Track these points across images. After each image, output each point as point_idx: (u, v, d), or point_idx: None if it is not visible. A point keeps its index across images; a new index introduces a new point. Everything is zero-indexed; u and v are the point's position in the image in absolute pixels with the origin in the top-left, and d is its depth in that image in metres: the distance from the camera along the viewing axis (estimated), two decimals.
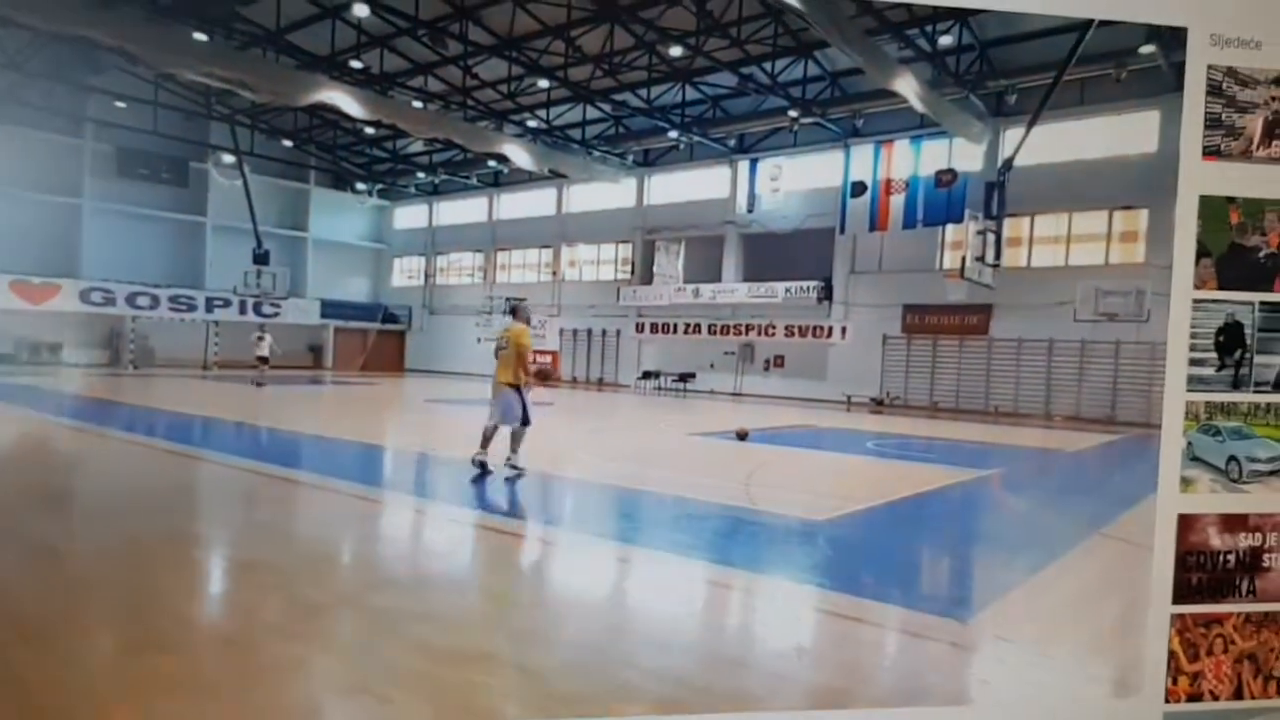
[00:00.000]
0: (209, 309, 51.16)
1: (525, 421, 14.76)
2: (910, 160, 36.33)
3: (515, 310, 15.93)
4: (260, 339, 37.17)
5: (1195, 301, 4.69)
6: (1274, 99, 4.70)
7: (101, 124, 46.43)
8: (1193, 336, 4.71)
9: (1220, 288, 4.68)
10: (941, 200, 35.32)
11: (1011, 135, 34.70)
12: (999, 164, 32.86)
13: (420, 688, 5.67)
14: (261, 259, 48.82)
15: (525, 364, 14.85)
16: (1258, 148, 4.69)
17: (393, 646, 6.37)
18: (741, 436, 21.77)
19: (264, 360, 37.36)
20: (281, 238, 56.44)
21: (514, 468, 14.48)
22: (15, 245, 45.20)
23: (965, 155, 35.95)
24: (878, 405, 38.60)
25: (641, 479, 15.54)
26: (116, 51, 33.67)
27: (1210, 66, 4.61)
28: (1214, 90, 4.62)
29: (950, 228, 37.33)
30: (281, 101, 39.42)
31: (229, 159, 50.85)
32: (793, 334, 43.62)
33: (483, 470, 14.43)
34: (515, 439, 14.72)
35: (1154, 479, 4.82)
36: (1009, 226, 33.88)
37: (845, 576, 9.29)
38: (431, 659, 6.15)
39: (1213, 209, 4.66)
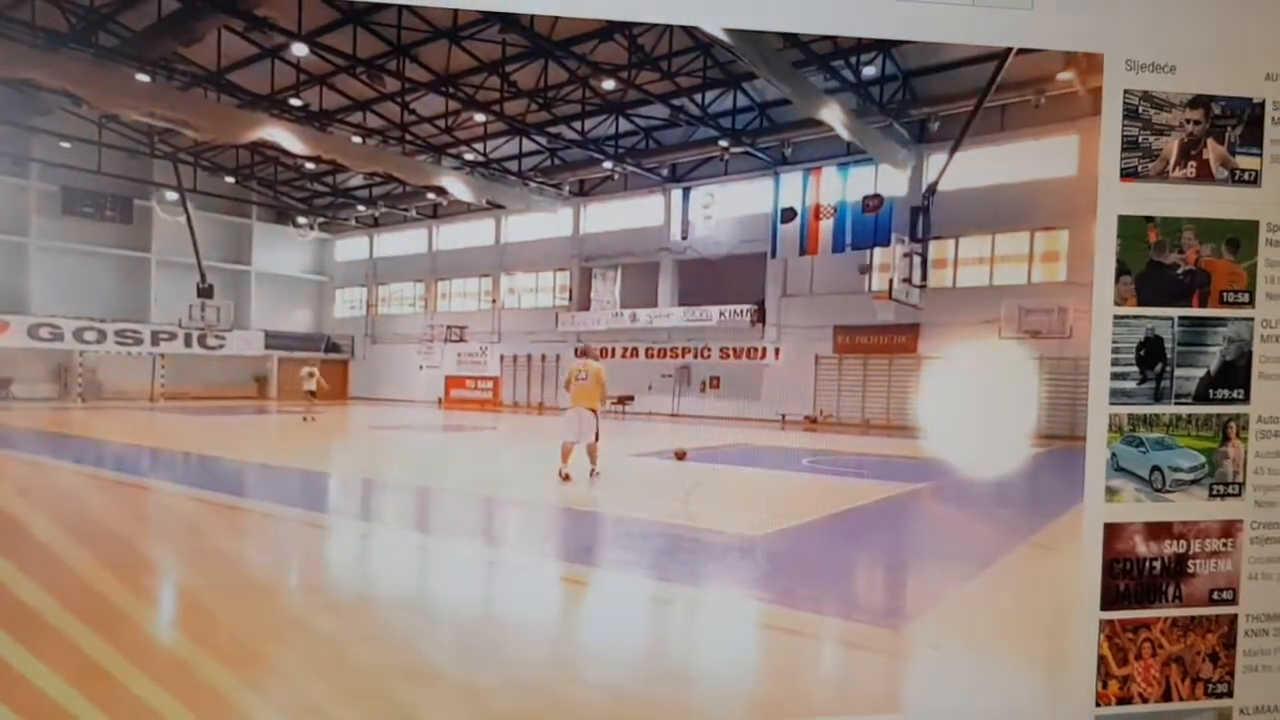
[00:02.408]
0: (155, 342, 50.51)
1: (596, 437, 18.37)
2: (838, 186, 36.52)
3: (587, 350, 20.06)
4: (310, 374, 36.51)
5: (1116, 318, 4.74)
6: (1189, 121, 4.76)
7: (46, 164, 46.12)
8: (1115, 351, 4.76)
9: (1140, 304, 4.74)
10: (869, 225, 35.51)
11: (935, 161, 34.96)
12: (923, 189, 33.14)
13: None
14: (206, 293, 48.53)
15: (605, 392, 19.15)
16: (1174, 168, 4.75)
17: None
18: (680, 456, 21.80)
19: (312, 394, 36.64)
20: (225, 271, 55.91)
21: (595, 474, 18.09)
22: None
23: (891, 181, 36.20)
24: (812, 423, 38.68)
25: (584, 500, 15.52)
26: (61, 93, 33.52)
27: (1126, 91, 4.67)
28: (1130, 114, 4.68)
29: (878, 251, 37.50)
30: (223, 139, 39.33)
31: (172, 196, 50.53)
32: (728, 356, 43.71)
33: (566, 479, 17.56)
34: (592, 453, 18.39)
35: (1080, 489, 4.87)
36: (934, 249, 34.12)
37: (781, 590, 9.32)
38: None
39: (1131, 228, 4.72)
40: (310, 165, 48.75)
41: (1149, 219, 4.74)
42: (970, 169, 34.53)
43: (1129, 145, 4.70)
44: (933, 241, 33.13)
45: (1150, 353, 4.79)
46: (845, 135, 32.59)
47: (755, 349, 42.88)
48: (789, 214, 37.68)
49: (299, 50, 33.31)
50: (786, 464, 22.59)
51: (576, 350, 20.73)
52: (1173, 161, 4.75)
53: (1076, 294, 31.80)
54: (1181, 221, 4.77)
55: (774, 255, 39.69)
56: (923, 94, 34.90)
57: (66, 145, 43.98)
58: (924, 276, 32.32)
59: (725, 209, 43.79)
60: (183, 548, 11.12)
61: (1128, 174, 4.72)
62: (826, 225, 36.67)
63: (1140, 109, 4.69)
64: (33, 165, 46.76)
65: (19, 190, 47.70)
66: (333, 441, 29.45)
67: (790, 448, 27.69)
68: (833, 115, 30.78)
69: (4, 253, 47.45)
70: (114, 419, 34.76)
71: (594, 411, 18.71)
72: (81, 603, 8.26)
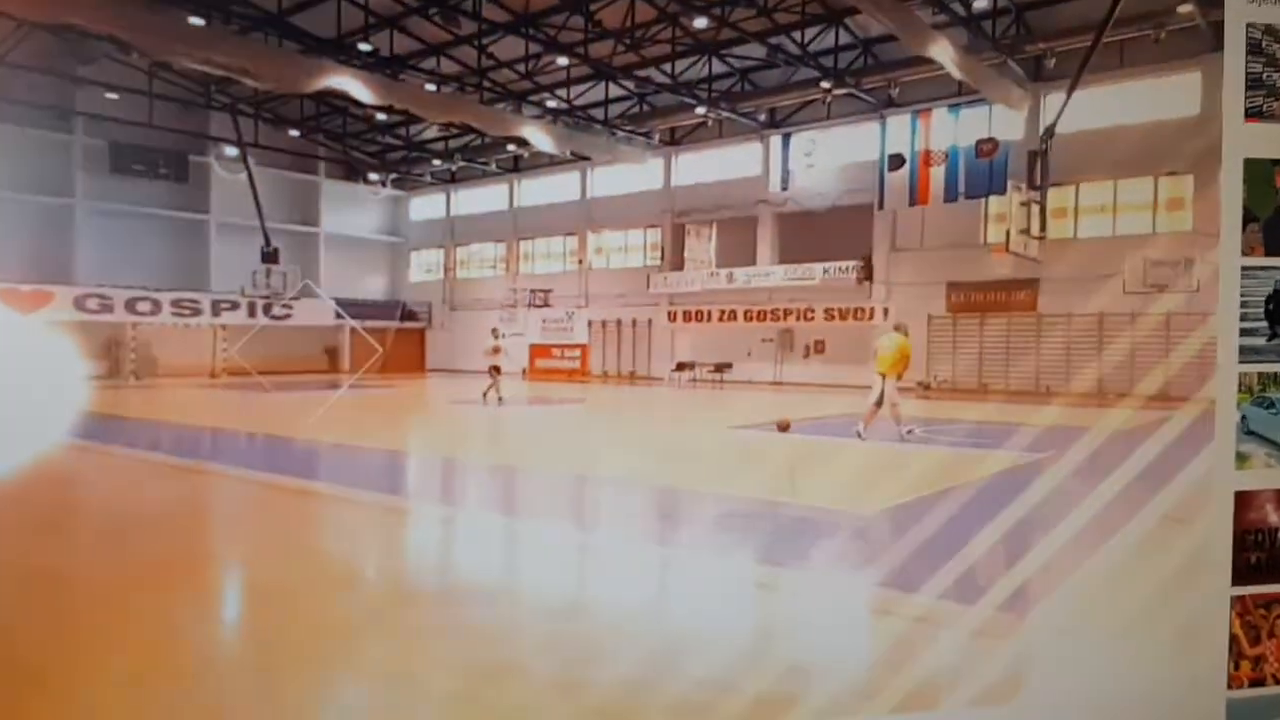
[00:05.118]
0: (215, 313, 50.70)
1: (878, 403, 21.09)
2: (949, 130, 36.13)
3: (898, 326, 22.81)
4: (496, 349, 32.27)
5: (1244, 269, 4.69)
6: None
7: (92, 117, 46.26)
8: (1243, 306, 4.72)
9: (1268, 253, 4.69)
10: (983, 171, 35.15)
11: (1052, 101, 34.67)
12: (1041, 131, 32.84)
13: None
14: (270, 257, 48.40)
15: (908, 363, 22.28)
16: None
17: None
18: (783, 428, 21.76)
19: (498, 370, 32.23)
20: (291, 234, 56.35)
21: (910, 432, 21.02)
22: (2, 250, 45.26)
23: (1005, 123, 35.87)
24: (925, 389, 38.44)
25: (682, 477, 15.61)
26: (106, 40, 33.76)
27: (1249, 25, 4.62)
28: (1254, 49, 4.62)
29: (993, 200, 37.22)
30: (286, 89, 39.38)
31: (232, 151, 50.69)
32: (833, 317, 43.59)
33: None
34: (893, 416, 21.16)
35: (1210, 456, 4.85)
36: (1053, 197, 33.86)
37: (894, 572, 9.34)
38: None
39: (1257, 172, 4.68)
40: (381, 116, 48.87)
41: (1276, 162, 4.69)
42: (1089, 109, 34.27)
43: (1253, 83, 4.64)
44: (1051, 189, 32.87)
45: (1279, 307, 4.74)
46: (956, 74, 32.26)
47: (862, 309, 42.73)
48: (897, 161, 37.35)
49: None
50: (898, 434, 22.58)
51: None
52: None
53: (1203, 244, 31.52)
54: None
55: (881, 206, 39.39)
56: (1038, 28, 34.64)
57: (114, 97, 44.22)
58: (1043, 227, 32.08)
59: (828, 156, 43.63)
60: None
61: (1253, 114, 4.67)
62: (937, 172, 36.34)
63: (1264, 44, 4.63)
64: (78, 119, 46.92)
65: (63, 146, 47.85)
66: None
67: (902, 416, 27.61)
68: (942, 52, 30.49)
69: (48, 216, 47.82)
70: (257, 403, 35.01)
71: (883, 377, 21.18)
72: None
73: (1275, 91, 4.67)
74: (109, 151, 49.20)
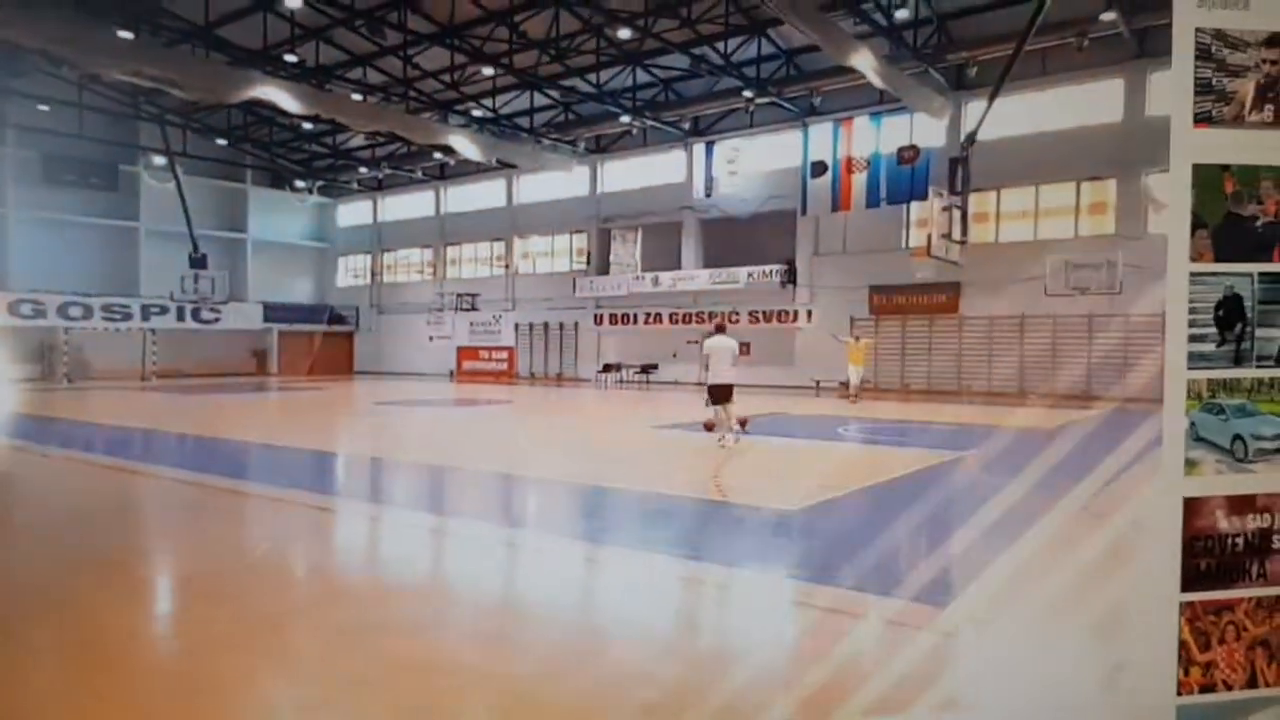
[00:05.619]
0: (145, 317, 50.75)
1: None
2: (871, 138, 36.15)
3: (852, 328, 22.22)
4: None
5: (1193, 275, 4.61)
6: (1265, 61, 4.63)
7: (24, 129, 46.17)
8: (1192, 312, 4.64)
9: (1217, 259, 4.62)
10: (905, 177, 35.18)
11: (973, 109, 34.90)
12: (962, 138, 32.88)
13: None
14: (199, 263, 48.30)
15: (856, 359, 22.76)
16: (1250, 112, 4.62)
17: None
18: (708, 428, 21.72)
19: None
20: (219, 240, 56.60)
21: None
22: None
23: (927, 131, 36.13)
24: (846, 389, 38.47)
25: (606, 476, 15.51)
26: (37, 53, 33.45)
27: (1198, 30, 4.55)
28: (1203, 54, 4.56)
29: (915, 205, 37.35)
30: (214, 99, 39.19)
31: (160, 160, 50.58)
32: (757, 320, 43.69)
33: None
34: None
35: (1136, 454, 4.79)
36: (975, 202, 33.95)
37: (825, 568, 9.25)
38: None
39: (1206, 178, 4.61)
40: (308, 125, 48.71)
41: (1225, 168, 4.62)
42: (1011, 116, 34.77)
43: (1202, 88, 4.57)
44: (973, 194, 32.93)
45: (1229, 312, 4.64)
46: (878, 83, 32.34)
47: (786, 312, 42.90)
48: (819, 168, 37.32)
49: (293, 2, 33.32)
50: (823, 433, 22.59)
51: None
52: (1249, 105, 4.62)
53: (1126, 247, 31.85)
54: (1259, 170, 4.64)
55: (804, 212, 39.29)
56: (959, 37, 34.94)
57: (45, 108, 44.10)
58: (964, 231, 32.09)
59: (751, 164, 43.92)
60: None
61: (1201, 119, 4.60)
62: (860, 179, 36.33)
63: (1213, 49, 4.56)
64: (9, 130, 46.79)
65: None
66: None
67: (826, 415, 27.69)
68: (864, 61, 30.53)
69: None
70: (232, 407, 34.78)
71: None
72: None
73: (1225, 96, 4.60)
74: (41, 162, 49.18)
